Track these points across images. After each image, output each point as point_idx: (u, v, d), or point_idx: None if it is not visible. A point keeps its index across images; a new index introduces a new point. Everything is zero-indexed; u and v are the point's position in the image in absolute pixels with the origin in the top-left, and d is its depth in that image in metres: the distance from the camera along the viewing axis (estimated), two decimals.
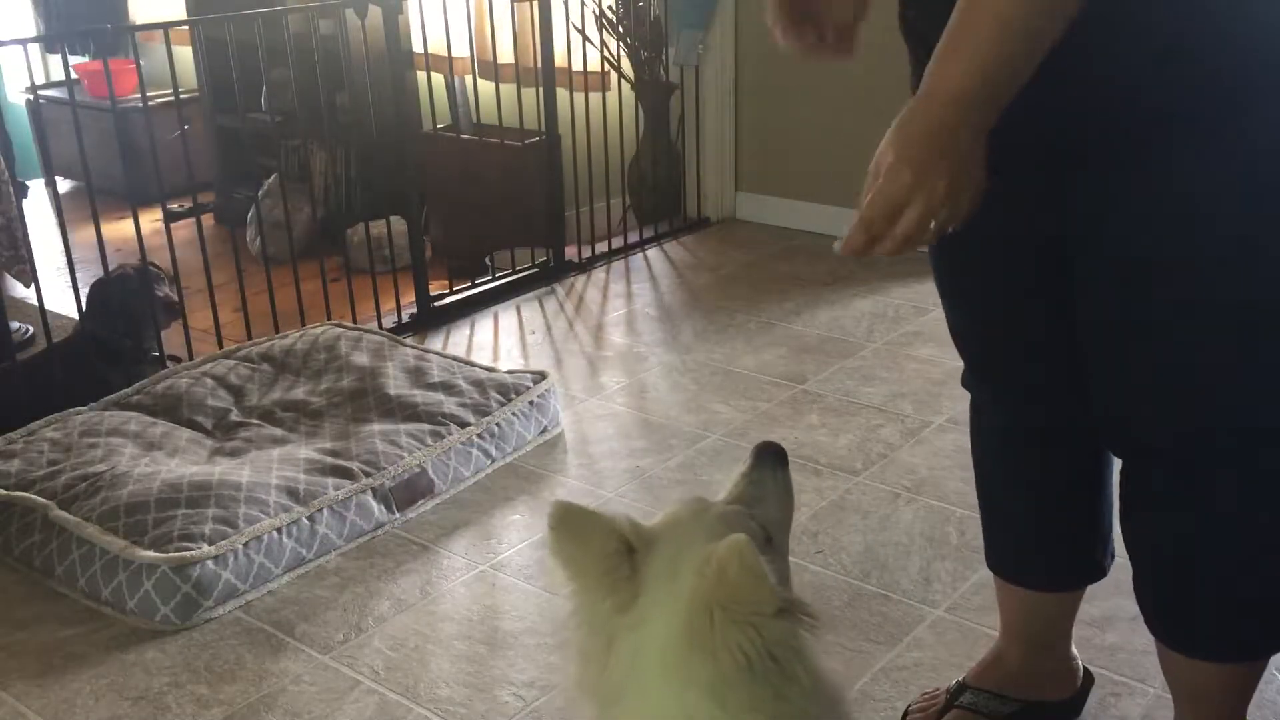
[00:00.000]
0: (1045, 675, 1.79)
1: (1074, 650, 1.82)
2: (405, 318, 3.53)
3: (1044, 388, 1.56)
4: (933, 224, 1.13)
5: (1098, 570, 1.72)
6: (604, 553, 1.07)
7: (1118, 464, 1.56)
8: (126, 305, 3.02)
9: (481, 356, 3.25)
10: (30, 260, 3.05)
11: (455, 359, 3.01)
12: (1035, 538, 1.71)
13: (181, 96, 3.21)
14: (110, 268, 3.04)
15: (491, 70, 4.09)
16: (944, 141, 1.12)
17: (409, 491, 2.49)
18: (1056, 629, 1.77)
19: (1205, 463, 1.40)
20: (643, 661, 1.03)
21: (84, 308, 3.05)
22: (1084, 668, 1.83)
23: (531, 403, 2.78)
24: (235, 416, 2.76)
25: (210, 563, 2.18)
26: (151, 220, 3.79)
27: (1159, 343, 1.36)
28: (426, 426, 2.64)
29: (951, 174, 1.12)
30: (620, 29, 4.25)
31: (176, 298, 3.12)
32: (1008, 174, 1.39)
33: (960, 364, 1.66)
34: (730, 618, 0.98)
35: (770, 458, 1.25)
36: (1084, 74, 1.24)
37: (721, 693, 0.99)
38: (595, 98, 4.16)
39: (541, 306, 3.68)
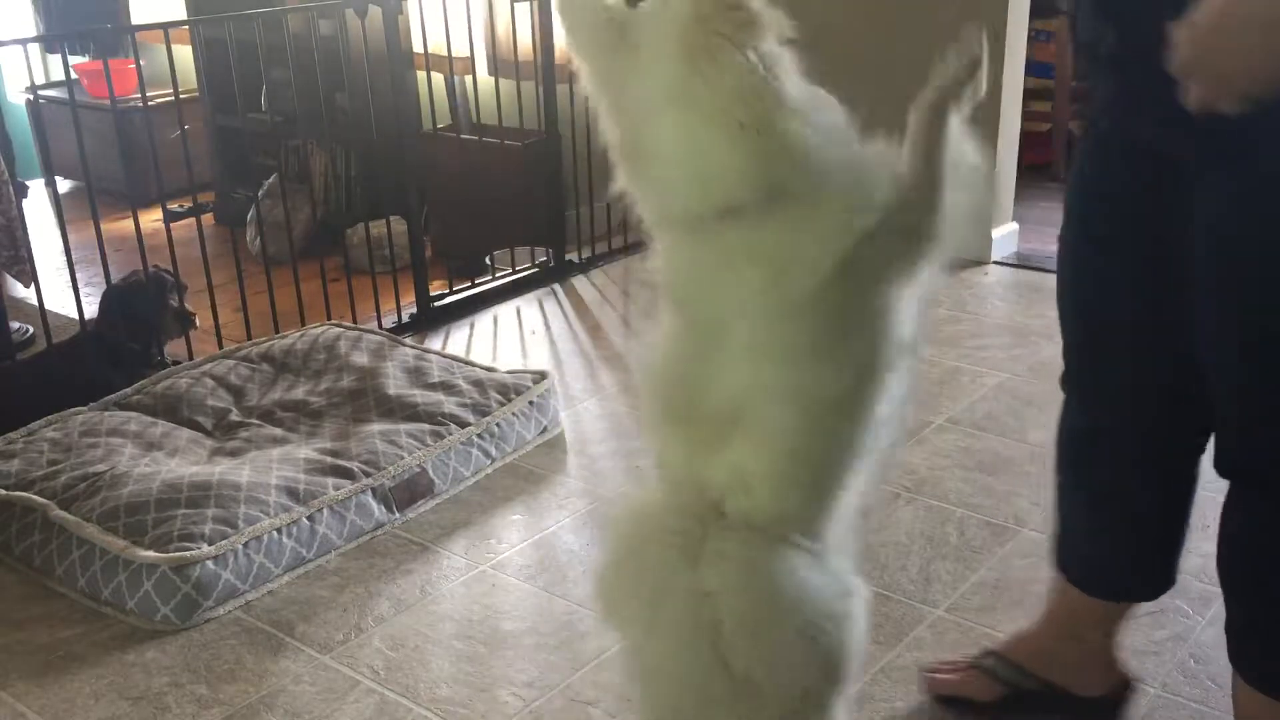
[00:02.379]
0: (1069, 663, 1.77)
1: (1116, 654, 1.78)
2: (405, 318, 3.53)
3: (1134, 396, 1.54)
4: None
5: (1163, 585, 1.71)
6: (596, 20, 1.22)
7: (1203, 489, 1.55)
8: (139, 312, 3.02)
9: (481, 356, 3.25)
10: (30, 260, 3.05)
11: (455, 359, 3.01)
12: (1104, 548, 1.68)
13: (181, 96, 3.21)
14: (110, 268, 3.04)
15: (493, 65, 4.09)
16: None
17: (409, 491, 2.49)
18: (1095, 627, 1.75)
19: None
20: (654, 101, 1.15)
21: (96, 311, 3.06)
22: (1127, 677, 1.79)
23: (531, 403, 2.78)
24: (235, 416, 2.76)
25: (210, 563, 2.18)
26: (151, 220, 3.79)
27: (1271, 360, 1.32)
28: (426, 426, 2.64)
29: None
30: None
31: (191, 309, 3.12)
32: (1120, 177, 1.38)
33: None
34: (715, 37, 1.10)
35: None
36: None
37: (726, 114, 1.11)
38: None
39: (541, 306, 3.68)
